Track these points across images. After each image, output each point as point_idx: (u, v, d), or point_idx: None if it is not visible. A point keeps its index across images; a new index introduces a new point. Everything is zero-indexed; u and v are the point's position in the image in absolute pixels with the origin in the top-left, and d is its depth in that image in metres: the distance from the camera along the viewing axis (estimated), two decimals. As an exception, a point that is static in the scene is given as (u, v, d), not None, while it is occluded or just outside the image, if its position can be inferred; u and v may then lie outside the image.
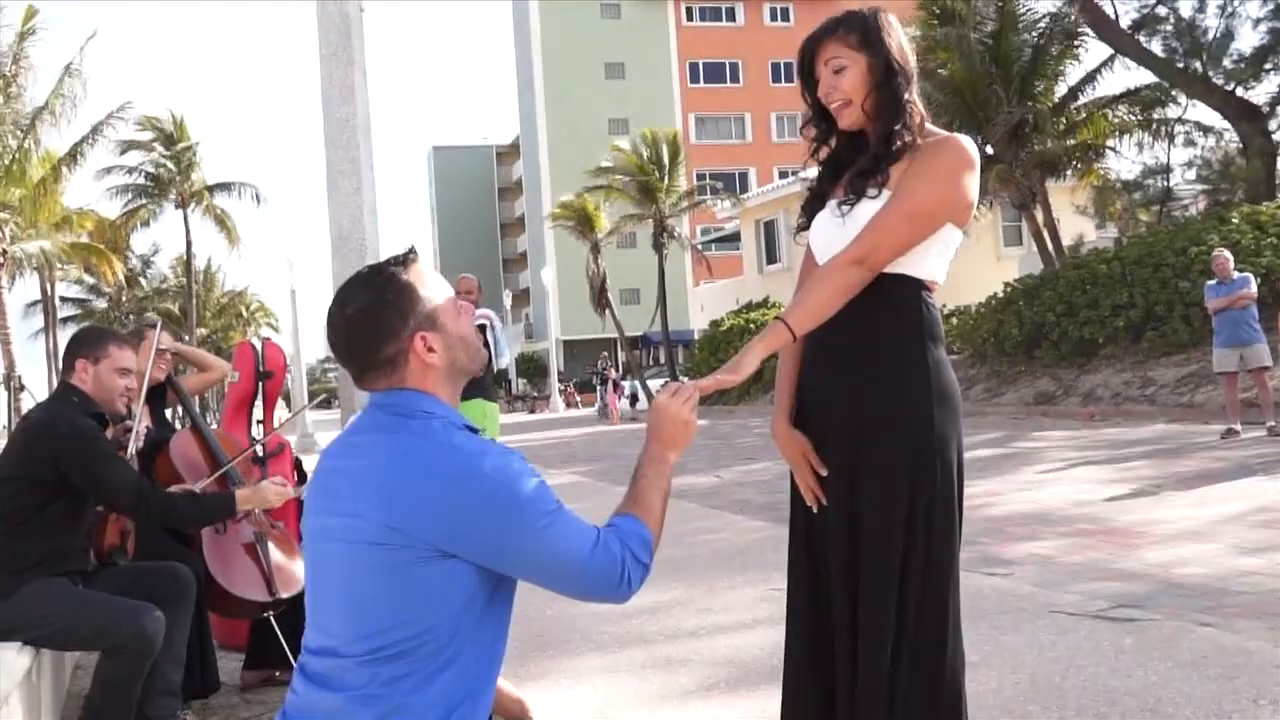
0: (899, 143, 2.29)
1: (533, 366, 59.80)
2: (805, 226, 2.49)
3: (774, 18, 61.50)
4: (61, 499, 3.47)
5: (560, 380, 47.40)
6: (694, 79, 60.91)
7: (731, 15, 61.74)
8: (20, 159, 23.26)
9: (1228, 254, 11.57)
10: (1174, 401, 14.45)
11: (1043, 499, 8.15)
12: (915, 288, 2.32)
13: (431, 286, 1.95)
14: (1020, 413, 16.94)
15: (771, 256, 33.27)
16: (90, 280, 48.07)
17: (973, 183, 2.31)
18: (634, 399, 36.03)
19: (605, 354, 38.66)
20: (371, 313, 1.89)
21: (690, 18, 61.17)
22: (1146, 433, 12.68)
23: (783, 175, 45.69)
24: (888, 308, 2.28)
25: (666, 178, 35.06)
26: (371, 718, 1.76)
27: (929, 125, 2.37)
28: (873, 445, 2.24)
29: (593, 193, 36.55)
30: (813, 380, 2.37)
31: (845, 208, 2.33)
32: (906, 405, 2.25)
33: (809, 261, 2.47)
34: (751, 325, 27.70)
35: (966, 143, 2.33)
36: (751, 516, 8.43)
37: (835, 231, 2.34)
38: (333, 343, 1.97)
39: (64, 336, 44.98)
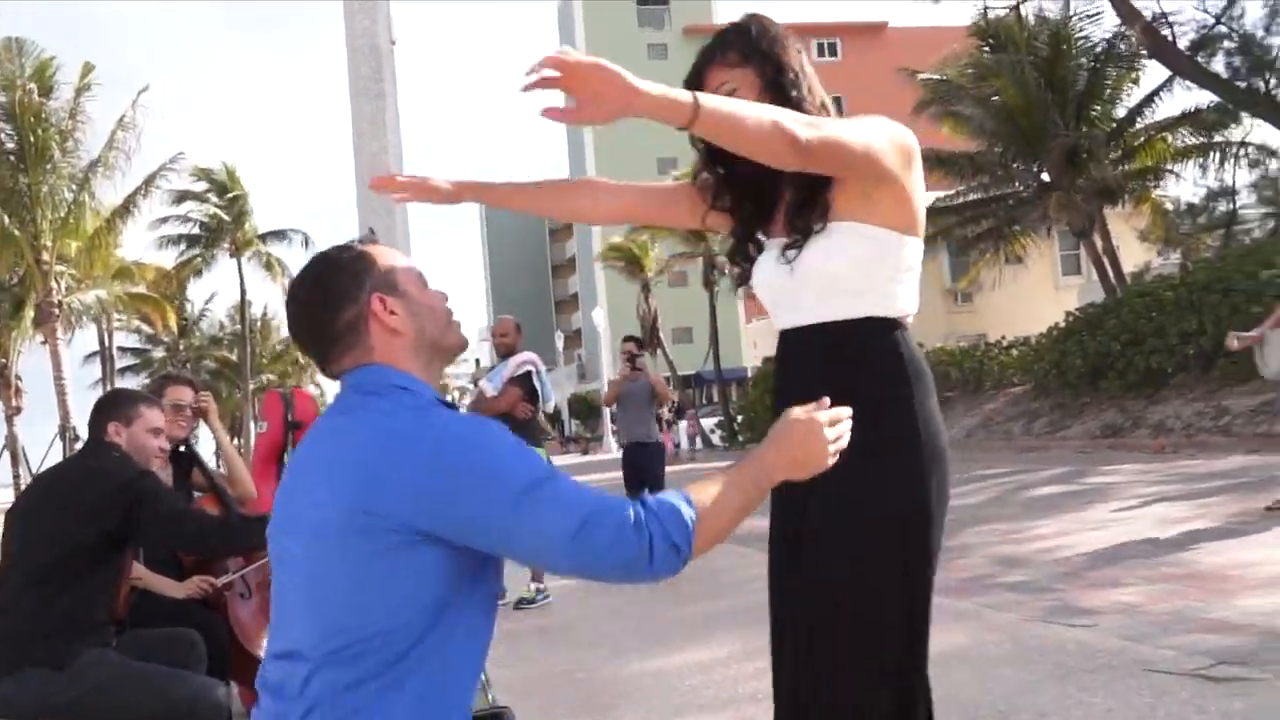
0: None
1: (585, 407, 59.65)
2: (746, 278, 2.17)
3: (821, 53, 61.30)
4: (113, 555, 3.28)
5: (612, 420, 47.12)
6: (742, 116, 60.89)
7: (778, 51, 61.75)
8: (76, 212, 23.53)
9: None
10: (1251, 431, 13.83)
11: (1119, 539, 7.68)
12: (889, 328, 2.02)
13: (391, 256, 1.85)
14: (1087, 446, 16.35)
15: (824, 291, 32.84)
16: (148, 330, 48.69)
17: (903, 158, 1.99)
18: (699, 439, 35.25)
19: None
20: (325, 279, 1.80)
21: (737, 55, 61.31)
22: (1224, 465, 12.10)
23: (833, 209, 45.27)
24: (863, 358, 1.99)
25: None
26: None
27: None
28: (856, 511, 1.95)
29: (641, 232, 36.41)
30: None
31: (792, 253, 2.01)
32: (894, 472, 1.96)
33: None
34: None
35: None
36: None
37: (784, 282, 2.04)
38: (292, 325, 1.85)
39: (122, 386, 45.53)
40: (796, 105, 2.00)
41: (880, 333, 2.00)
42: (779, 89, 2.02)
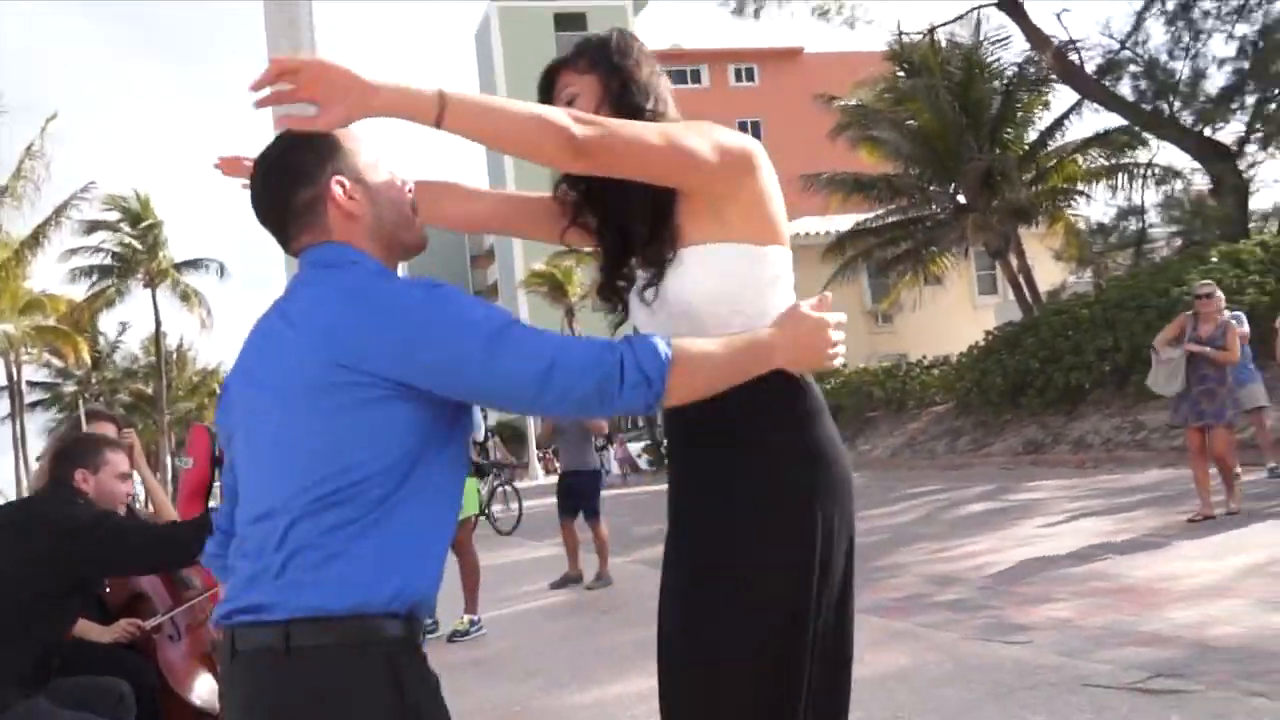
0: None
1: (511, 433, 59.25)
2: (625, 317, 2.09)
3: (739, 78, 61.93)
4: (72, 602, 3.23)
5: (538, 447, 46.83)
6: (662, 141, 61.19)
7: (696, 77, 62.13)
8: (-18, 243, 22.91)
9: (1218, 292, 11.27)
10: (1166, 446, 14.14)
11: (1048, 554, 7.79)
12: None
13: (358, 141, 1.83)
14: (1010, 462, 16.63)
15: (747, 314, 33.04)
16: (58, 364, 47.36)
17: (740, 165, 1.87)
18: (628, 464, 35.11)
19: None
20: (288, 155, 1.79)
21: (656, 81, 61.64)
22: (1143, 479, 12.37)
23: (755, 232, 45.65)
24: (742, 388, 1.81)
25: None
26: (308, 566, 1.61)
27: None
28: (743, 556, 1.84)
29: (565, 257, 36.35)
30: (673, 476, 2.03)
31: (650, 292, 1.94)
32: (784, 508, 1.86)
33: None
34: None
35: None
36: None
37: (648, 319, 1.95)
38: (253, 200, 1.83)
39: (31, 422, 44.16)
40: (638, 118, 1.89)
41: None
42: (621, 102, 1.93)
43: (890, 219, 24.64)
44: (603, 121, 1.74)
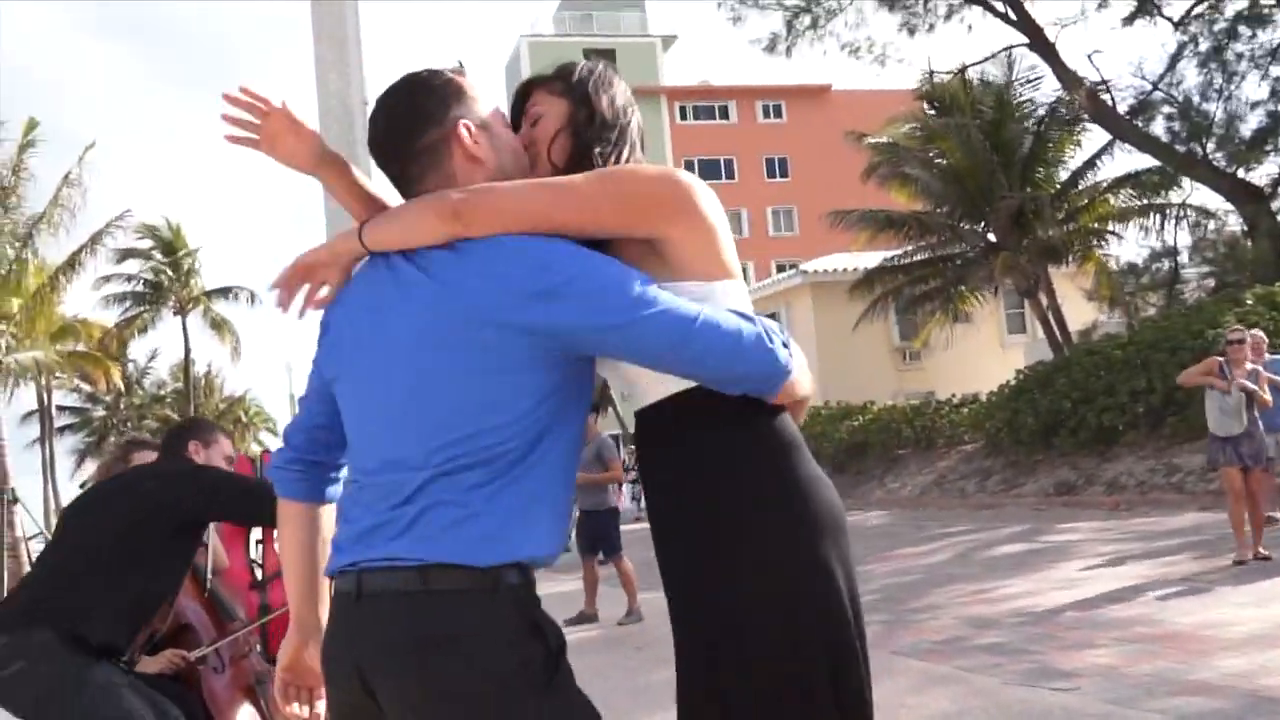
0: None
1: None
2: None
3: (766, 114, 62.15)
4: (168, 544, 3.30)
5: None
6: (689, 176, 61.35)
7: (725, 113, 62.41)
8: (18, 269, 23.09)
9: (1260, 334, 11.15)
10: (1203, 489, 13.98)
11: (1088, 598, 7.69)
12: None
13: (481, 91, 1.82)
14: (1041, 503, 16.46)
15: (774, 349, 32.96)
16: (87, 389, 47.74)
17: (656, 185, 1.78)
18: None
19: None
20: (413, 96, 1.77)
21: (684, 116, 61.83)
22: (1180, 523, 12.21)
23: (780, 269, 45.66)
24: (713, 425, 1.76)
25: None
26: (445, 522, 1.60)
27: None
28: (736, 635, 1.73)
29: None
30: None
31: None
32: (772, 575, 1.73)
33: None
34: (757, 419, 27.30)
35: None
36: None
37: (615, 371, 1.87)
38: (373, 141, 1.80)
39: (60, 445, 44.50)
40: (592, 159, 1.87)
41: (723, 396, 1.75)
42: (580, 134, 1.90)
43: (919, 256, 24.61)
44: (489, 187, 1.72)
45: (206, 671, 4.00)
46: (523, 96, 1.98)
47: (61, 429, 48.99)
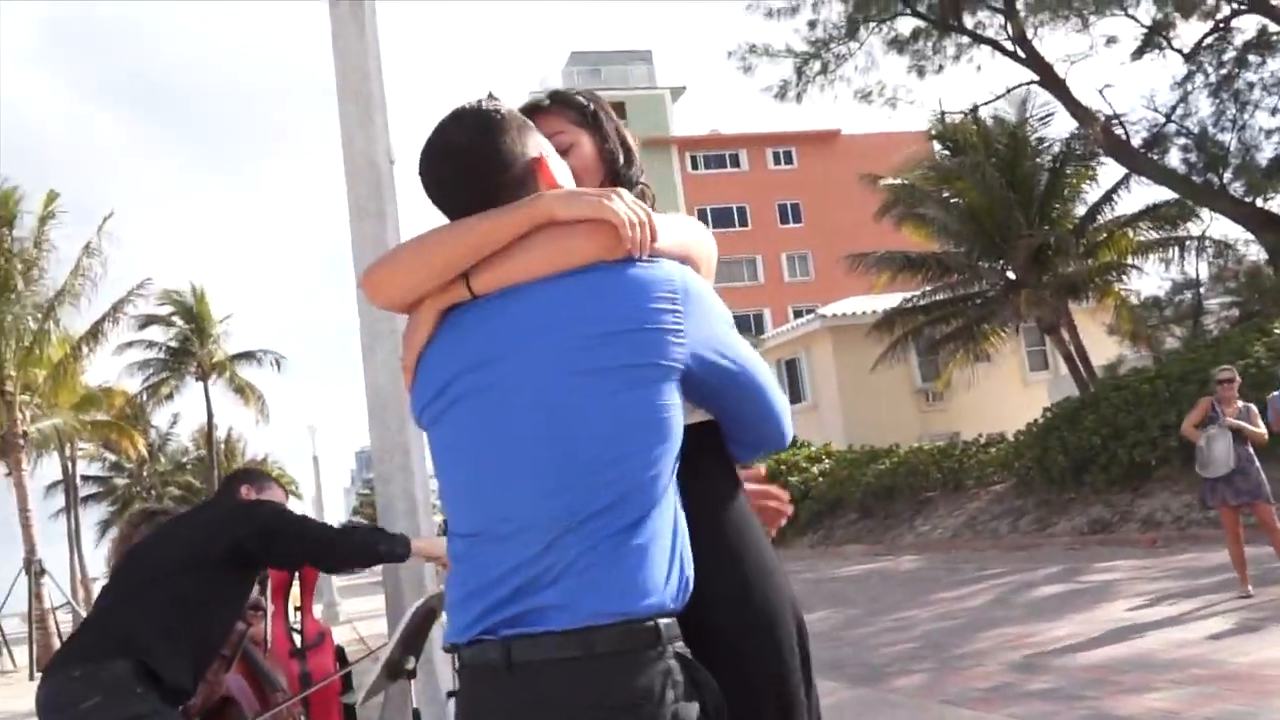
0: None
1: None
2: None
3: (777, 161, 62.44)
4: (226, 574, 3.28)
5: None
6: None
7: (735, 161, 62.72)
8: (40, 340, 23.21)
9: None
10: (1242, 523, 13.74)
11: (1137, 639, 7.52)
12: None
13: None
14: (1076, 542, 16.23)
15: (796, 395, 32.86)
16: (111, 457, 47.84)
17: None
18: None
19: None
20: (490, 133, 1.63)
21: (695, 166, 62.17)
22: (1220, 558, 11.90)
23: (798, 314, 45.58)
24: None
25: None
26: (599, 566, 1.46)
27: None
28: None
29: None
30: None
31: None
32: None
33: None
34: (782, 466, 27.13)
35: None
36: (820, 676, 7.77)
37: None
38: (441, 179, 1.65)
39: (85, 516, 44.54)
40: (623, 184, 1.89)
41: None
42: (613, 166, 1.92)
43: (938, 296, 24.54)
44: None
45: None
46: (534, 112, 1.89)
47: (86, 499, 49.08)
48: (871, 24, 23.64)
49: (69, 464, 42.87)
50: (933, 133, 24.54)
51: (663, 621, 1.48)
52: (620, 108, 62.03)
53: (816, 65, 24.19)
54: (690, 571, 1.56)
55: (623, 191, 1.61)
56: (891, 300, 25.88)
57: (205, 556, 3.20)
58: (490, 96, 1.71)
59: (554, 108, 1.91)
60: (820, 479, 25.82)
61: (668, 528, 1.52)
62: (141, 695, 2.95)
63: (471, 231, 1.59)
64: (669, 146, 61.74)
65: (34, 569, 22.18)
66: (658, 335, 1.53)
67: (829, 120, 59.65)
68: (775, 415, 1.75)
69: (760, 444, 1.80)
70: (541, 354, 1.53)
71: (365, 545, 3.43)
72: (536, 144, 1.69)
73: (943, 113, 24.24)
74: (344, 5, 5.67)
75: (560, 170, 1.71)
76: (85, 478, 49.68)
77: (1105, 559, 13.65)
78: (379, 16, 5.87)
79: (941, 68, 24.05)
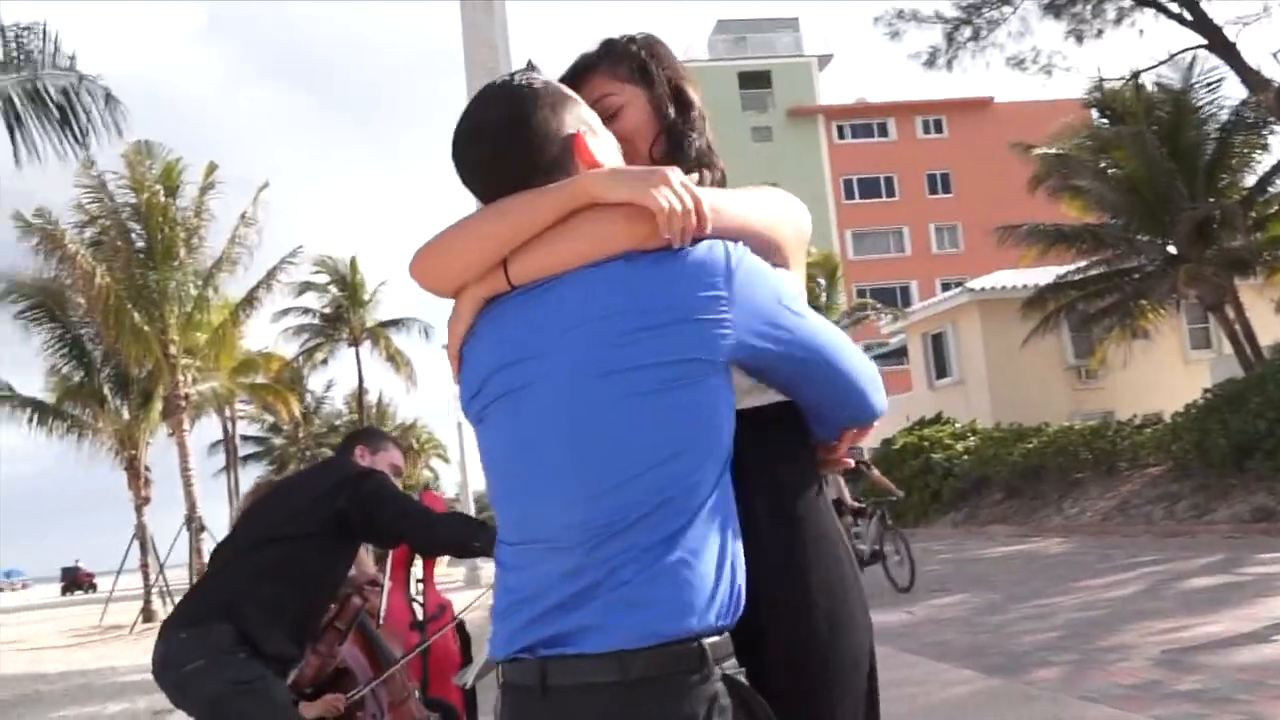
0: None
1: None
2: None
3: (927, 130, 60.96)
4: (327, 538, 3.29)
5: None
6: (849, 195, 60.41)
7: (884, 130, 61.46)
8: (201, 306, 24.24)
9: None
10: None
11: (1300, 640, 7.07)
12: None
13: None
14: (1237, 531, 15.42)
15: (942, 370, 32.11)
16: (270, 419, 49.82)
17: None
18: None
19: None
20: (524, 109, 1.51)
21: (842, 136, 61.13)
22: (1397, 553, 11.24)
23: (945, 287, 44.49)
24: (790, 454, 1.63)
25: (825, 296, 35.05)
26: (639, 581, 1.37)
27: None
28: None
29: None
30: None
31: None
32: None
33: None
34: (925, 443, 26.56)
35: None
36: (956, 664, 7.56)
37: None
38: (478, 160, 1.54)
39: (245, 475, 46.57)
40: (683, 144, 1.76)
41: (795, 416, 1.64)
42: (669, 121, 1.76)
43: (1093, 271, 23.59)
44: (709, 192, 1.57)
45: (365, 718, 3.95)
46: (575, 80, 1.76)
47: (245, 458, 51.26)
48: (1027, -13, 22.76)
49: (229, 424, 44.82)
50: (1090, 100, 23.56)
51: (708, 641, 1.38)
52: (766, 77, 61.40)
53: (967, 31, 23.46)
54: (742, 581, 1.44)
55: (672, 172, 1.46)
56: (1042, 275, 24.99)
57: (307, 525, 3.22)
58: (530, 66, 1.60)
59: (604, 65, 1.78)
60: (965, 457, 25.23)
61: (715, 536, 1.41)
62: (245, 661, 2.98)
63: (503, 219, 1.49)
64: (815, 115, 60.84)
65: (194, 525, 23.27)
66: (697, 327, 1.41)
67: (981, 88, 58.02)
68: (856, 387, 1.59)
69: (845, 420, 1.64)
70: (573, 352, 1.43)
71: (460, 537, 3.37)
72: (576, 118, 1.56)
73: (1101, 79, 23.23)
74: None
75: (601, 147, 1.57)
76: (245, 438, 51.95)
77: (1268, 550, 12.93)
78: (513, -11, 5.84)
79: (1101, 32, 23.01)
